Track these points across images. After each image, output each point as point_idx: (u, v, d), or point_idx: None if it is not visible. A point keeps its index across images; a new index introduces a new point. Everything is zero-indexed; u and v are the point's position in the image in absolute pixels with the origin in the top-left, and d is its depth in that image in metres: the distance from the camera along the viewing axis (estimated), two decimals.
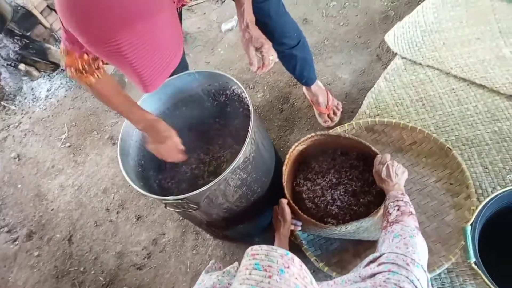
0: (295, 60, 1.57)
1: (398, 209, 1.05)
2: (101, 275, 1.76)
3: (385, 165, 1.21)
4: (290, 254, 0.64)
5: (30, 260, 1.89)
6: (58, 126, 2.37)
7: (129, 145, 1.37)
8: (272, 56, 1.19)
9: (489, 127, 1.57)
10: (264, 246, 0.64)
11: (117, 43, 0.69)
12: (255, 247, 0.64)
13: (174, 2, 0.90)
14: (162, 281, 1.66)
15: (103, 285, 1.73)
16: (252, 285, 0.58)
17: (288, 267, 0.61)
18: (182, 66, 1.62)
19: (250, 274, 0.60)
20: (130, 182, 1.18)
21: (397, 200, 1.08)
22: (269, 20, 1.38)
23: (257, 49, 1.19)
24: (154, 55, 0.76)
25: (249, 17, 1.19)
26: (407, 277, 0.78)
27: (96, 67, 1.02)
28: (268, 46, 1.18)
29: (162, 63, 0.79)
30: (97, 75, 1.04)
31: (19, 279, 1.85)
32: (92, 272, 1.78)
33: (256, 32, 1.18)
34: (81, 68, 1.00)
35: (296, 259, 0.64)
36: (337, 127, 1.64)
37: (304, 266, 0.64)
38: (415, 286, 0.77)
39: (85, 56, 0.98)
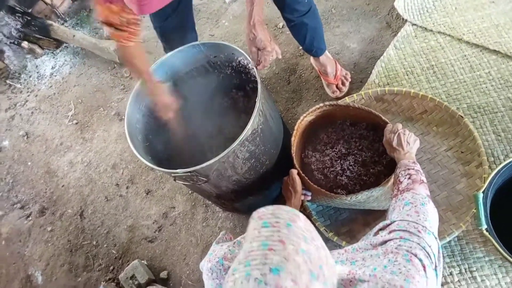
0: (306, 29, 1.53)
1: (409, 178, 1.04)
2: (113, 248, 1.79)
3: (397, 133, 1.19)
4: (295, 210, 0.66)
5: (44, 235, 1.93)
6: (65, 103, 2.37)
7: (136, 120, 1.37)
8: (272, 57, 1.24)
9: (502, 94, 1.53)
10: (269, 207, 0.66)
11: None
12: (260, 209, 0.66)
13: None
14: (173, 253, 1.69)
15: (116, 258, 1.77)
16: (263, 240, 0.58)
17: (295, 221, 0.62)
18: (191, 25, 1.62)
19: (259, 232, 0.60)
20: (139, 157, 1.18)
21: (408, 169, 1.07)
22: None
23: (259, 49, 1.22)
24: None
25: (258, 17, 1.19)
26: (418, 243, 0.78)
27: (133, 30, 1.06)
28: (270, 48, 1.21)
29: None
30: (134, 40, 1.09)
31: (35, 253, 1.89)
32: (105, 245, 1.81)
33: (261, 33, 1.20)
34: (119, 23, 1.02)
35: (301, 215, 0.65)
36: (346, 97, 1.61)
37: (308, 222, 0.66)
38: (427, 252, 0.77)
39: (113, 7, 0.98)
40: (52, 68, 2.56)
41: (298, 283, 0.54)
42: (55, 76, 2.52)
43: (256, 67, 1.24)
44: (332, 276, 0.61)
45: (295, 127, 1.38)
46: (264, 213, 0.64)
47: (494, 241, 1.04)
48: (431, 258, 0.77)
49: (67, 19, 2.75)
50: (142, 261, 1.69)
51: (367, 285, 0.70)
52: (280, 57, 1.28)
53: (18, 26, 2.58)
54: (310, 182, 1.27)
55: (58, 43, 2.63)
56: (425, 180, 1.04)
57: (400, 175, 1.08)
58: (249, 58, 1.25)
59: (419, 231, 0.82)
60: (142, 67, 1.23)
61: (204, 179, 1.18)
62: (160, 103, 1.31)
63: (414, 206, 0.92)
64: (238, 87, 1.54)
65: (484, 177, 1.29)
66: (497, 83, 1.56)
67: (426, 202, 0.94)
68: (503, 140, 1.45)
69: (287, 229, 0.60)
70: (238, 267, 0.56)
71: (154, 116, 1.42)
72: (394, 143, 1.18)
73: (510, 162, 1.12)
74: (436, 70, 1.66)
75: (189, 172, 1.12)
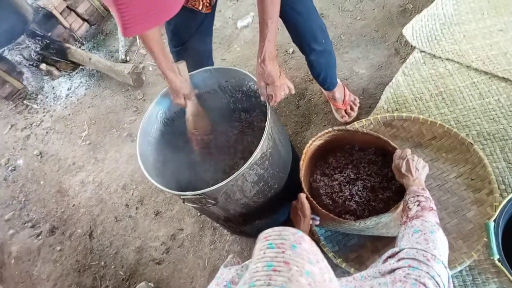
0: (320, 67, 1.58)
1: (418, 204, 1.04)
2: (121, 270, 1.79)
3: (405, 159, 1.19)
4: (301, 233, 0.66)
5: (53, 255, 1.94)
6: (79, 124, 2.42)
7: (148, 142, 1.39)
8: (284, 92, 1.24)
9: None
10: (276, 228, 0.66)
11: None
12: (267, 230, 0.66)
13: None
14: (180, 276, 1.68)
15: (123, 279, 1.76)
16: (268, 261, 0.59)
17: (300, 243, 0.63)
18: (208, 54, 1.63)
19: (264, 253, 0.61)
20: (150, 178, 1.20)
21: (418, 195, 1.07)
22: (303, 23, 1.39)
23: (267, 84, 1.22)
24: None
25: (268, 52, 1.18)
26: (427, 272, 0.77)
27: None
28: (278, 83, 1.20)
29: (149, 12, 0.78)
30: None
31: (43, 272, 1.90)
32: (113, 266, 1.81)
33: (270, 67, 1.19)
34: None
35: (307, 237, 0.65)
36: (355, 123, 1.62)
37: (314, 244, 0.66)
38: (436, 282, 0.76)
39: None
40: (68, 89, 2.64)
41: None
42: (71, 97, 2.59)
43: (268, 102, 1.24)
44: None
45: (304, 151, 1.39)
46: (270, 234, 0.64)
47: (507, 272, 1.02)
48: None
49: (84, 42, 2.85)
50: (149, 283, 1.69)
51: None
52: (293, 92, 1.28)
53: (38, 49, 2.68)
54: (318, 206, 1.27)
55: (74, 66, 2.71)
56: (434, 208, 1.03)
57: (409, 202, 1.07)
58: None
59: (428, 260, 0.81)
60: (156, 49, 1.22)
61: (212, 201, 1.19)
62: (173, 86, 1.30)
63: (423, 234, 0.91)
64: (248, 111, 1.57)
65: (495, 205, 1.27)
66: (506, 110, 1.56)
67: (436, 230, 0.93)
68: None
69: (292, 250, 0.61)
70: (243, 287, 0.57)
71: (165, 139, 1.45)
72: (403, 169, 1.18)
73: None
74: (445, 96, 1.67)
75: (198, 195, 1.13)
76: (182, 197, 1.18)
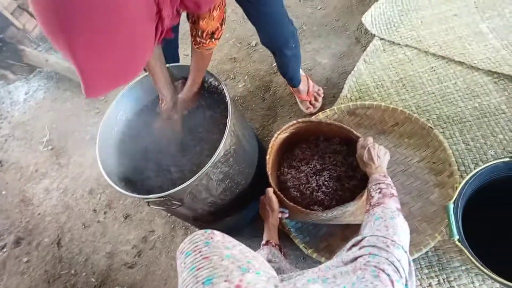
0: (288, 67, 1.61)
1: (379, 192, 1.05)
2: (92, 276, 1.75)
3: (367, 148, 1.21)
4: (210, 230, 0.69)
5: (20, 267, 1.87)
6: (39, 129, 2.33)
7: (109, 144, 1.35)
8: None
9: (469, 104, 1.58)
10: (185, 239, 0.69)
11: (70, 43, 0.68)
12: (180, 245, 0.69)
13: (156, 35, 0.88)
14: (154, 278, 1.66)
15: (95, 286, 1.72)
16: (190, 267, 0.60)
17: (212, 238, 0.66)
18: (174, 46, 1.60)
19: (184, 263, 0.63)
20: (111, 183, 1.17)
21: (379, 183, 1.09)
22: (272, 28, 1.40)
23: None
24: (107, 65, 0.75)
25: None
26: (387, 258, 0.79)
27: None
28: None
29: (113, 77, 0.79)
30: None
31: (10, 286, 1.83)
32: (84, 274, 1.77)
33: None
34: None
35: (217, 232, 0.69)
36: (319, 113, 1.64)
37: (226, 235, 0.69)
38: (396, 267, 0.77)
39: None
40: (26, 93, 2.53)
41: (231, 280, 0.56)
42: (29, 101, 2.49)
43: None
44: (266, 268, 0.63)
45: (270, 145, 1.39)
46: (182, 246, 0.67)
47: (466, 251, 1.05)
48: (400, 273, 0.77)
49: (40, 43, 2.72)
50: None
51: None
52: None
53: None
54: (286, 200, 1.27)
55: (31, 68, 2.60)
56: (395, 194, 1.06)
57: (371, 190, 1.09)
58: (219, 79, 1.27)
59: (388, 246, 0.83)
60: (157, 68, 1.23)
61: (178, 203, 1.17)
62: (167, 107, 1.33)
63: (384, 221, 0.93)
64: (212, 108, 1.54)
65: (456, 187, 1.31)
66: (463, 93, 1.60)
67: (396, 216, 0.95)
68: (472, 149, 1.48)
69: (207, 246, 0.63)
70: None
71: (128, 140, 1.41)
72: (365, 158, 1.20)
73: (477, 172, 1.14)
74: (405, 82, 1.71)
75: (162, 197, 1.11)
76: (146, 200, 1.16)
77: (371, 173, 1.16)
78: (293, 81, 1.71)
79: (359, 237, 0.91)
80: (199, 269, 0.59)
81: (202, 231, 0.68)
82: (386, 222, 0.91)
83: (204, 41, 1.10)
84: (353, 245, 0.90)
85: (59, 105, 2.39)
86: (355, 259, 0.82)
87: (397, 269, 0.77)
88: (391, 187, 1.07)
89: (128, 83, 0.85)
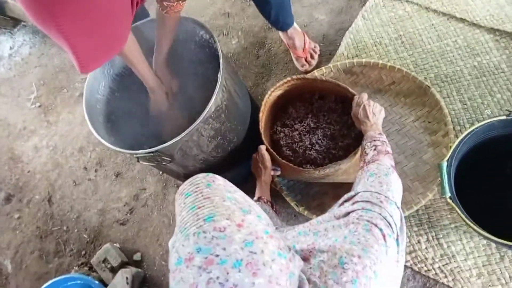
0: (270, 5, 1.48)
1: (374, 149, 1.04)
2: (84, 233, 1.75)
3: (362, 105, 1.18)
4: (211, 174, 0.68)
5: (11, 223, 1.87)
6: (26, 85, 2.26)
7: (96, 100, 1.31)
8: None
9: (469, 62, 1.53)
10: (186, 181, 0.68)
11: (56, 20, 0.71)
12: (181, 186, 0.68)
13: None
14: (146, 235, 1.67)
15: (87, 242, 1.73)
16: (191, 206, 0.59)
17: (213, 181, 0.65)
18: (143, 16, 1.53)
19: (184, 203, 0.62)
20: (100, 139, 1.13)
21: (374, 140, 1.07)
22: None
23: None
24: (93, 37, 0.78)
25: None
26: (380, 213, 0.78)
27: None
28: None
29: (101, 48, 0.82)
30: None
31: (2, 241, 1.84)
32: (76, 230, 1.77)
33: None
34: None
35: (218, 176, 0.68)
36: (315, 71, 1.59)
37: (227, 181, 0.69)
38: (388, 222, 0.77)
39: None
40: (11, 48, 2.43)
41: (232, 219, 0.55)
42: (14, 57, 2.40)
43: None
44: (266, 215, 0.63)
45: (263, 102, 1.35)
46: (182, 187, 0.67)
47: (457, 209, 1.06)
48: (392, 228, 0.77)
49: None
50: (115, 244, 1.66)
51: (326, 255, 0.70)
52: None
53: None
54: (278, 157, 1.26)
55: (15, 22, 2.48)
56: (390, 151, 1.04)
57: (366, 147, 1.07)
58: (210, 31, 1.21)
59: (381, 201, 0.82)
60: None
61: (168, 159, 1.15)
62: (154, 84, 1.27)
63: (378, 177, 0.92)
64: (203, 64, 1.49)
65: (450, 146, 1.30)
66: (463, 51, 1.56)
67: (390, 172, 0.94)
68: (469, 109, 1.46)
69: (208, 188, 0.63)
70: (176, 237, 0.57)
71: (116, 95, 1.37)
72: (361, 116, 1.17)
73: (472, 131, 1.12)
74: (404, 40, 1.65)
75: (152, 152, 1.08)
76: (135, 155, 1.13)
77: (366, 131, 1.14)
78: (279, 23, 1.61)
79: (352, 193, 0.90)
80: (200, 207, 0.57)
81: (204, 174, 0.68)
82: (380, 178, 0.90)
83: (171, 3, 1.09)
84: (346, 201, 0.90)
85: (46, 61, 2.30)
86: (348, 213, 0.82)
87: (389, 224, 0.76)
88: (386, 144, 1.06)
89: (117, 52, 0.88)
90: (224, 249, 0.50)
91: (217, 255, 0.49)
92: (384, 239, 0.73)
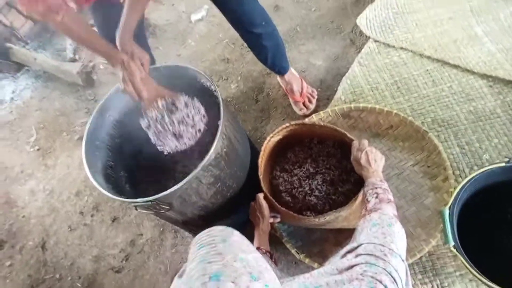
0: (266, 50, 1.54)
1: (376, 197, 1.03)
2: (78, 281, 1.69)
3: (364, 151, 1.18)
4: (230, 228, 0.68)
5: (2, 271, 1.80)
6: (26, 129, 2.27)
7: (96, 146, 1.31)
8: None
9: (464, 107, 1.56)
10: (203, 231, 0.68)
11: None
12: (197, 236, 0.68)
13: None
14: (141, 283, 1.61)
15: None
16: (201, 258, 0.59)
17: (230, 237, 0.65)
18: (143, 40, 1.53)
19: (197, 254, 0.62)
20: (97, 185, 1.12)
21: (376, 187, 1.06)
22: (237, 7, 1.34)
23: None
24: None
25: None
26: (384, 268, 0.76)
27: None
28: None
29: None
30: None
31: None
32: (69, 278, 1.71)
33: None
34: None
35: (236, 232, 0.68)
36: (313, 115, 1.61)
37: (244, 237, 0.68)
38: (393, 277, 0.74)
39: None
40: (13, 92, 2.47)
41: (238, 283, 0.53)
42: (16, 100, 2.43)
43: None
44: (274, 283, 0.60)
45: (262, 148, 1.36)
46: (199, 237, 0.66)
47: (461, 258, 1.03)
48: (397, 284, 0.75)
49: (29, 41, 2.66)
50: None
51: None
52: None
53: None
54: (277, 205, 1.24)
55: (18, 67, 2.54)
56: (392, 199, 1.03)
57: (367, 194, 1.06)
58: (210, 80, 1.23)
59: (385, 255, 0.80)
60: (87, 35, 1.12)
61: (167, 207, 1.13)
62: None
63: (381, 228, 0.90)
64: (205, 110, 1.50)
65: (451, 191, 1.29)
66: (458, 96, 1.59)
67: (393, 222, 0.92)
68: (467, 153, 1.46)
69: (223, 244, 0.62)
70: (182, 282, 0.57)
71: (116, 142, 1.37)
72: (362, 161, 1.17)
73: (474, 177, 1.12)
74: (400, 85, 1.68)
75: (150, 201, 1.07)
76: (133, 204, 1.11)
77: (367, 177, 1.14)
78: (276, 67, 1.65)
79: (354, 244, 0.88)
80: (210, 262, 0.57)
81: (222, 227, 0.68)
82: (384, 229, 0.88)
83: None
84: (348, 252, 0.87)
85: (47, 105, 2.33)
86: (351, 267, 0.79)
87: (395, 280, 0.74)
88: (387, 192, 1.05)
89: None
90: None
91: None
92: None
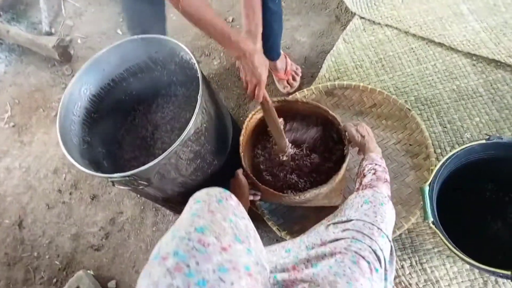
0: (270, 32, 1.43)
1: (374, 173, 1.03)
2: (56, 259, 1.67)
3: (364, 126, 1.19)
4: (229, 192, 0.68)
5: None
6: (0, 105, 2.18)
7: (71, 121, 1.26)
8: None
9: (448, 86, 1.56)
10: (204, 189, 0.69)
11: None
12: (197, 192, 0.68)
13: None
14: (122, 261, 1.60)
15: (59, 269, 1.64)
16: (193, 212, 0.60)
17: (227, 199, 0.66)
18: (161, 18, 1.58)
19: (191, 208, 0.62)
20: (72, 161, 1.08)
21: (376, 164, 1.06)
22: None
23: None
24: None
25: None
26: (370, 246, 0.76)
27: None
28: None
29: None
30: None
31: None
32: (47, 256, 1.68)
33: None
34: None
35: (234, 197, 0.68)
36: (297, 93, 1.58)
37: (242, 206, 0.68)
38: (377, 256, 0.74)
39: None
40: None
41: (221, 240, 0.54)
42: None
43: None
44: (259, 252, 0.60)
45: (244, 126, 1.33)
46: (198, 194, 0.67)
47: (440, 234, 1.04)
48: (380, 262, 0.74)
49: (1, 13, 2.53)
50: (88, 271, 1.58)
51: (308, 286, 0.67)
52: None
53: None
54: (257, 182, 1.22)
55: None
56: (388, 180, 1.03)
57: (365, 168, 1.06)
58: (190, 53, 1.18)
59: (373, 233, 0.80)
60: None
61: (145, 183, 1.10)
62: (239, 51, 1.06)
63: (373, 206, 0.89)
64: (185, 84, 1.46)
65: (431, 169, 1.29)
66: (442, 75, 1.58)
67: (386, 202, 0.92)
68: (449, 132, 1.47)
69: (218, 204, 0.63)
70: (165, 236, 0.56)
71: (92, 117, 1.33)
72: (370, 134, 1.17)
73: (453, 154, 1.12)
74: (384, 63, 1.67)
75: (127, 176, 1.03)
76: (110, 179, 1.08)
77: (369, 150, 1.13)
78: (273, 52, 1.59)
79: (343, 218, 0.88)
80: (199, 216, 0.58)
81: (223, 189, 0.68)
82: (376, 208, 0.88)
83: None
84: (335, 223, 0.87)
85: (22, 80, 2.24)
86: (336, 240, 0.79)
87: (378, 258, 0.74)
88: (385, 172, 1.05)
89: None
90: (198, 263, 0.49)
91: (188, 266, 0.49)
92: (371, 273, 0.70)
